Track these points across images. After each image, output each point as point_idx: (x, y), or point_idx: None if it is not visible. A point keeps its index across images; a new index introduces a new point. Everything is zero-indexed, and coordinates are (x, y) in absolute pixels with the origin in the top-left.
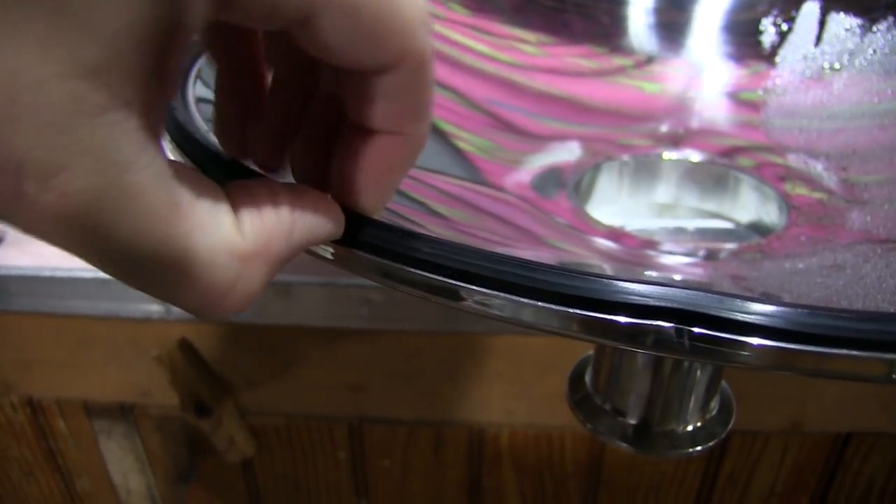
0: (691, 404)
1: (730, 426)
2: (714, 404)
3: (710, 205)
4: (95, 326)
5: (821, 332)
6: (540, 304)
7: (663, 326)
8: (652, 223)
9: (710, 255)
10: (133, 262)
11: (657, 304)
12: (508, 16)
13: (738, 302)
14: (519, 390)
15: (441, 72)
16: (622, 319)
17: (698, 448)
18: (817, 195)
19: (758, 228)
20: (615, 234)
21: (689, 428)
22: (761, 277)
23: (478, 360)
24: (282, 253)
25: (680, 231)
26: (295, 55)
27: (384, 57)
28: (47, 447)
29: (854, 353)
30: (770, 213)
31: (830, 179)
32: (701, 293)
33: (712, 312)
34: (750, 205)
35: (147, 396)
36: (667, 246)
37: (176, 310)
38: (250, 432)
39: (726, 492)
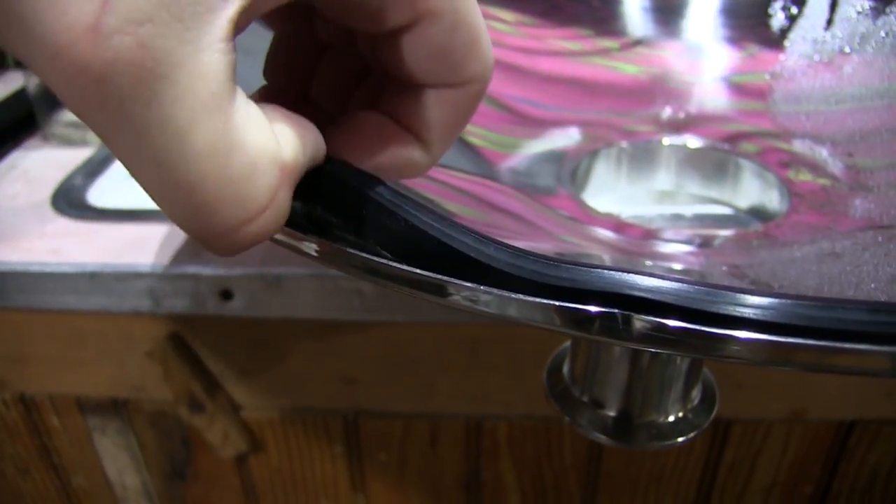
0: (672, 394)
1: (712, 415)
2: (696, 393)
3: (711, 192)
4: (86, 322)
5: (794, 322)
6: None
7: (608, 312)
8: (650, 210)
9: (706, 243)
10: (175, 148)
11: (597, 288)
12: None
13: (715, 293)
14: (516, 381)
15: None
16: (559, 304)
17: (680, 439)
18: (821, 181)
19: (759, 215)
20: (610, 222)
21: (671, 418)
22: (755, 265)
23: (474, 351)
24: (302, 171)
25: (679, 218)
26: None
27: (455, 78)
28: (41, 444)
29: (824, 343)
30: (771, 200)
31: (835, 165)
32: (671, 282)
33: (682, 303)
34: (751, 191)
35: (140, 392)
36: (663, 234)
37: (166, 304)
38: (244, 427)
39: (728, 482)
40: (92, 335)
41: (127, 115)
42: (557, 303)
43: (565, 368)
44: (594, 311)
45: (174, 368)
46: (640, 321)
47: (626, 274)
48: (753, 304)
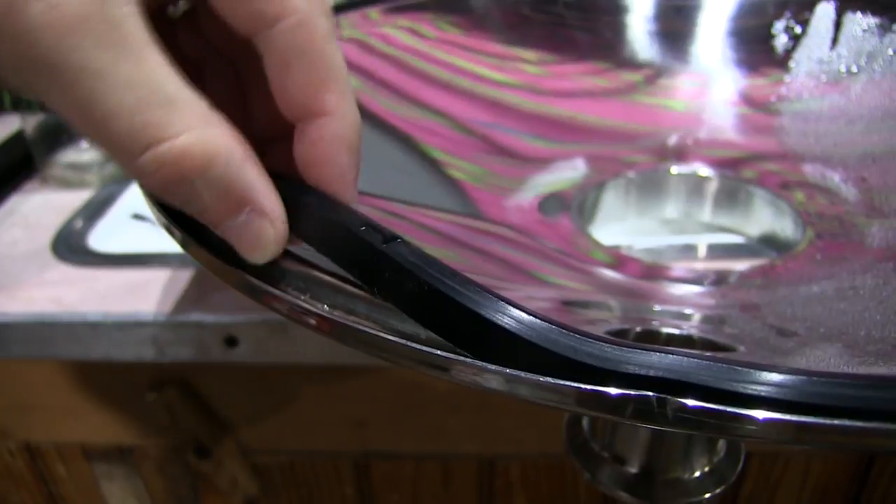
0: (697, 449)
1: (739, 467)
2: (721, 445)
3: (722, 221)
4: (90, 370)
5: (830, 403)
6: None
7: (644, 396)
8: (661, 242)
9: (720, 281)
10: (96, 86)
11: (637, 372)
12: (505, 34)
13: (737, 371)
14: (528, 419)
15: (432, 95)
16: (587, 387)
17: (707, 495)
18: (835, 208)
19: (772, 245)
20: (620, 261)
21: (697, 474)
22: (773, 304)
23: None
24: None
25: (690, 250)
26: None
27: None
28: (48, 492)
29: (866, 424)
30: (785, 229)
31: (849, 191)
32: (691, 360)
33: (704, 383)
34: (764, 220)
35: (147, 438)
36: (675, 271)
37: (171, 351)
38: (253, 472)
39: None
40: (96, 383)
41: (56, 65)
42: (583, 386)
43: (585, 421)
44: (633, 394)
45: (180, 415)
46: (677, 405)
47: (651, 354)
48: (778, 382)
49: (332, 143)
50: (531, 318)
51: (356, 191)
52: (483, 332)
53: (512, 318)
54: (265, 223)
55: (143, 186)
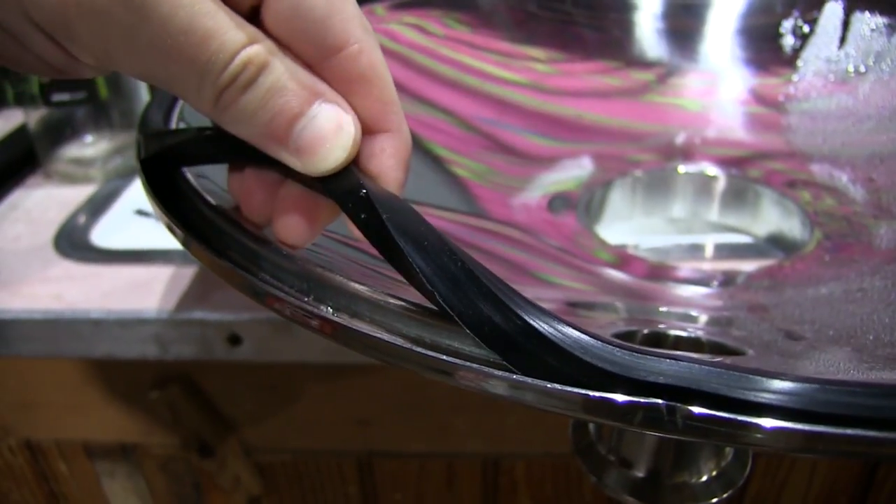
0: (704, 453)
1: (747, 471)
2: (729, 450)
3: (730, 221)
4: (92, 368)
5: (840, 412)
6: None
7: (654, 404)
8: (667, 241)
9: (727, 282)
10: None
11: (647, 378)
12: (512, 32)
13: (748, 378)
14: (533, 419)
15: (438, 93)
16: (595, 394)
17: (714, 500)
18: (843, 209)
19: (780, 245)
20: (626, 261)
21: (704, 478)
22: (781, 305)
23: None
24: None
25: (697, 249)
26: None
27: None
28: (49, 490)
29: (876, 434)
30: (793, 229)
31: (856, 191)
32: (701, 367)
33: (714, 390)
34: (771, 220)
35: (149, 436)
36: (681, 272)
37: (173, 350)
38: (257, 470)
39: None
40: (98, 381)
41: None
42: (591, 393)
43: (591, 424)
44: (643, 402)
45: (183, 413)
46: (687, 413)
47: (661, 360)
48: (789, 390)
49: (392, 157)
50: (547, 315)
51: None
52: (503, 323)
53: (530, 314)
54: (340, 111)
55: (223, 100)
